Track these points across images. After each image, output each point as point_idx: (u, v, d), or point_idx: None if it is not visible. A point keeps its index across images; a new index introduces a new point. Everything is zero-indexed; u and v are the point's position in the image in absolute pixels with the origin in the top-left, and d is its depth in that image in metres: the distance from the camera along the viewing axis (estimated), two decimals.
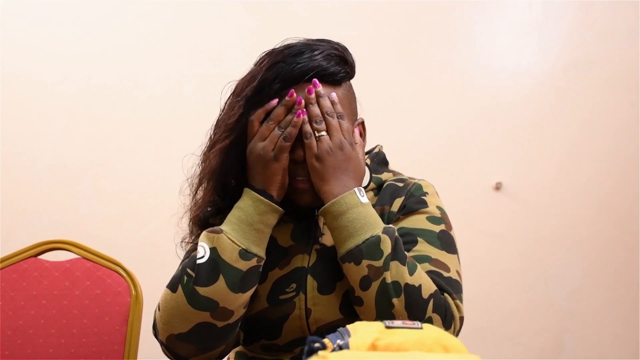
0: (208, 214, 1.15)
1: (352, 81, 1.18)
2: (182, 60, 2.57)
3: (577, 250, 2.72)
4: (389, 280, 1.00)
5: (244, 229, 1.06)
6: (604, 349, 2.70)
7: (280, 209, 1.08)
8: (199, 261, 1.05)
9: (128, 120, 2.53)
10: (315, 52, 1.08)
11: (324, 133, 1.06)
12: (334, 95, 1.09)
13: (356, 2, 2.65)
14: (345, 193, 1.06)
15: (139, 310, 1.51)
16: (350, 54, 1.15)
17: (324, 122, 1.06)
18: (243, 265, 1.04)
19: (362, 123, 1.18)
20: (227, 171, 1.11)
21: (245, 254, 1.05)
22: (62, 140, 2.51)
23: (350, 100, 1.15)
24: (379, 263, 1.01)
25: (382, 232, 1.03)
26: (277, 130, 1.06)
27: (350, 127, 1.11)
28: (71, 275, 1.54)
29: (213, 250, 1.04)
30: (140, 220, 2.48)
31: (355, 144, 1.11)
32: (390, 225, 1.06)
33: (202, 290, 1.03)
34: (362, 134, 1.17)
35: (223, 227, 1.07)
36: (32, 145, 2.50)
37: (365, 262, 1.01)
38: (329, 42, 1.12)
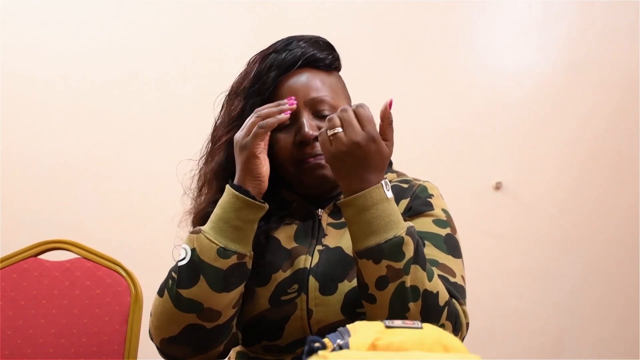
0: (211, 212, 1.12)
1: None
2: (183, 59, 2.57)
3: (577, 250, 2.72)
4: (408, 284, 0.96)
5: (222, 227, 1.03)
6: (604, 349, 2.69)
7: (258, 203, 1.04)
8: (180, 263, 1.03)
9: (128, 120, 2.53)
10: (302, 41, 1.15)
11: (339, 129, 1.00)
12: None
13: (356, 2, 2.65)
14: (372, 187, 0.99)
15: (139, 310, 1.51)
16: (335, 49, 1.20)
17: (334, 119, 1.00)
18: (222, 264, 1.02)
19: None
20: (232, 166, 1.08)
21: (223, 252, 1.02)
22: (62, 140, 2.50)
23: (344, 88, 1.19)
24: (399, 265, 0.96)
25: (406, 234, 0.97)
26: (255, 117, 1.04)
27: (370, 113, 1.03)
28: (71, 275, 1.54)
29: (193, 251, 1.03)
30: (140, 220, 2.48)
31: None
32: (412, 224, 1.01)
33: (185, 293, 1.02)
34: None
35: (204, 226, 1.05)
36: (32, 145, 2.50)
37: (385, 262, 0.96)
38: (312, 35, 1.19)
